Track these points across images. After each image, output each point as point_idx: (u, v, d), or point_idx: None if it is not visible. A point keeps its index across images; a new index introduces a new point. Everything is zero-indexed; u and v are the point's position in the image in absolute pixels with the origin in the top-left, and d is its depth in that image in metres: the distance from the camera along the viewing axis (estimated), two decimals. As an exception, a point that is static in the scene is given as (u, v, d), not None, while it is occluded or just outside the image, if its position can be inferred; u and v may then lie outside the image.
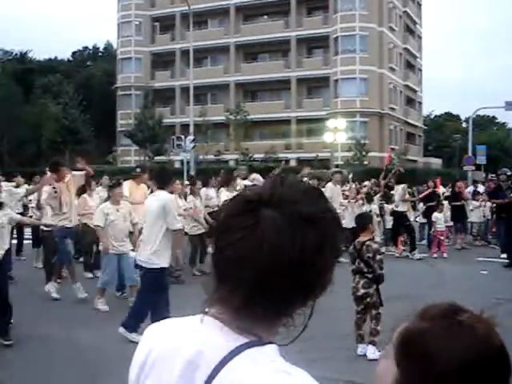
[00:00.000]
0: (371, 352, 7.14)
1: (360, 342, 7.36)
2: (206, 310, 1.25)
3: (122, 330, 7.93)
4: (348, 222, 13.53)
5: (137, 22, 66.21)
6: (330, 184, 15.54)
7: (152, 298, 7.82)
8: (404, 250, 16.90)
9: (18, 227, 14.77)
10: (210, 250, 14.50)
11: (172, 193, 8.59)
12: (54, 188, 10.53)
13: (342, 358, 7.21)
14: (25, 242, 15.68)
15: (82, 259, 13.92)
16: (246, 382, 1.13)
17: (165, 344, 1.28)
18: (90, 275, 12.78)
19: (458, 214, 18.33)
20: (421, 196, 19.53)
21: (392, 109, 59.21)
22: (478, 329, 1.17)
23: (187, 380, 1.20)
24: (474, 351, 1.14)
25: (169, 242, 7.94)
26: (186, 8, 40.10)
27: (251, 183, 10.66)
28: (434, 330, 1.17)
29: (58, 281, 10.70)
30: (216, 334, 1.20)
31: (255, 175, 13.43)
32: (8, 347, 7.59)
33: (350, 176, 18.89)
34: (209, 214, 13.63)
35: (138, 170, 12.11)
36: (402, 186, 17.00)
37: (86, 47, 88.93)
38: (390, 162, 25.55)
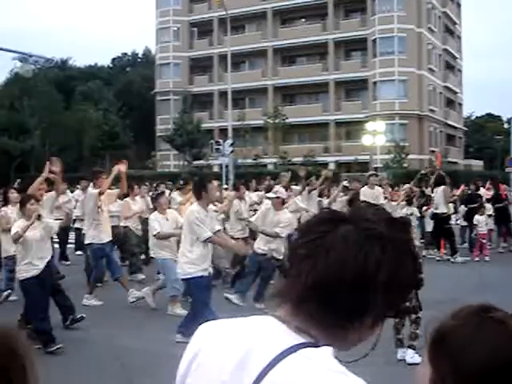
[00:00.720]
0: (410, 356, 7.06)
1: (399, 347, 7.28)
2: (267, 308, 1.28)
3: (178, 336, 7.93)
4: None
5: (175, 28, 66.71)
6: (364, 187, 15.44)
7: (202, 306, 7.91)
8: (445, 253, 16.67)
9: (63, 233, 14.99)
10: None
11: (210, 203, 8.51)
12: (98, 193, 10.63)
13: (380, 363, 7.11)
14: (68, 246, 15.94)
15: (126, 262, 14.08)
16: (301, 379, 1.14)
17: (216, 342, 1.31)
18: (140, 277, 12.96)
19: (501, 217, 18.02)
20: (458, 192, 19.06)
21: (432, 110, 58.56)
22: (510, 325, 1.17)
23: (240, 374, 1.22)
24: (505, 346, 1.14)
25: (206, 251, 7.97)
26: (224, 13, 40.32)
27: (274, 195, 10.66)
28: (464, 326, 1.19)
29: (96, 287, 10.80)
30: (274, 332, 1.23)
31: (278, 188, 13.38)
32: (50, 351, 7.66)
33: (380, 177, 18.65)
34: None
35: (181, 182, 12.27)
36: (442, 188, 16.76)
37: (126, 53, 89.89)
38: (441, 164, 25.17)
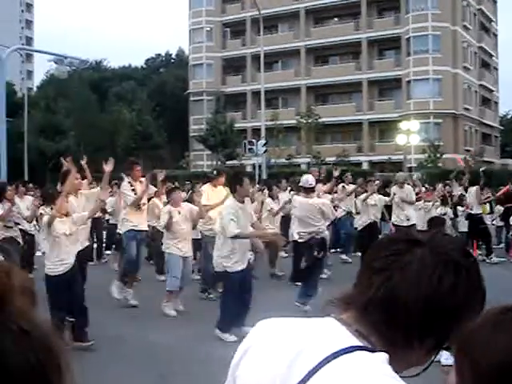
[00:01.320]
0: (445, 358, 6.96)
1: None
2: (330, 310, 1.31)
3: (216, 331, 8.10)
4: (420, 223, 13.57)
5: (208, 29, 66.96)
6: (394, 187, 15.33)
7: (228, 299, 8.02)
8: (480, 254, 16.46)
9: (97, 232, 15.18)
10: (282, 254, 14.59)
11: (245, 197, 8.50)
12: (131, 185, 10.72)
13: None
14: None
15: (152, 262, 14.20)
16: (350, 379, 1.14)
17: (270, 338, 1.32)
18: (163, 278, 13.03)
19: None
20: (498, 194, 18.86)
21: (467, 109, 57.87)
22: None
23: (291, 369, 1.22)
24: None
25: (238, 245, 8.01)
26: (257, 13, 40.36)
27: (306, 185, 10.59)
28: (482, 328, 1.18)
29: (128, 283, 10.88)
30: (333, 332, 1.25)
31: (307, 177, 13.36)
32: (83, 348, 7.76)
33: (415, 177, 18.42)
34: (283, 217, 13.92)
35: (215, 172, 12.29)
36: (475, 187, 16.58)
37: (159, 54, 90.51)
38: (466, 164, 24.83)
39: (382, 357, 1.20)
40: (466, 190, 17.60)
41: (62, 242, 7.86)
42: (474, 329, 1.19)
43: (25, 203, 12.96)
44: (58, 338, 0.79)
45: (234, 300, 8.01)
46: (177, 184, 17.25)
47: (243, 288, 8.11)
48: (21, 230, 11.92)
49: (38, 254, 12.44)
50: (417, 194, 15.37)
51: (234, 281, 8.03)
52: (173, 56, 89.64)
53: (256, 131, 48.37)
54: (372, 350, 1.21)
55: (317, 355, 1.20)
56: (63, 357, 0.80)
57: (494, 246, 16.71)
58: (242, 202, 8.19)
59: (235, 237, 7.93)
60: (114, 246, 14.75)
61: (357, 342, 1.22)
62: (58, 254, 7.84)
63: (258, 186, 16.61)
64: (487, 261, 15.78)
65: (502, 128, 72.77)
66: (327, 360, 1.18)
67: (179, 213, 9.92)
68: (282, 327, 1.34)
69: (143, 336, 8.43)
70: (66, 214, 8.05)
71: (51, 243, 7.90)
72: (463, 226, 16.99)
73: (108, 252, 16.22)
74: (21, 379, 0.70)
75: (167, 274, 10.30)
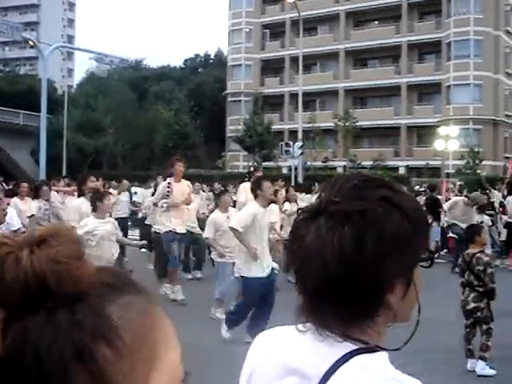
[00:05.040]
0: (481, 368, 6.88)
1: (470, 357, 7.10)
2: (303, 319, 1.23)
3: (223, 324, 8.18)
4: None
5: (247, 30, 67.13)
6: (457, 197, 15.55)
7: (243, 304, 8.12)
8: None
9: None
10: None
11: (268, 202, 8.37)
12: (168, 183, 10.78)
13: (450, 373, 6.97)
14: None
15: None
16: None
17: (269, 355, 1.29)
18: (190, 276, 13.14)
19: None
20: None
21: (508, 116, 57.00)
22: None
23: None
24: None
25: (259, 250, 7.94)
26: (296, 15, 40.29)
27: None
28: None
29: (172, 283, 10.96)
30: (320, 342, 1.19)
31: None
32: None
33: (455, 185, 18.25)
34: None
35: (252, 169, 12.31)
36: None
37: (198, 55, 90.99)
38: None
39: (381, 357, 1.17)
40: (504, 198, 17.37)
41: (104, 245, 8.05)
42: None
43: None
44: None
45: (248, 307, 8.02)
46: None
47: (262, 298, 7.98)
48: None
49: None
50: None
51: (251, 287, 7.93)
52: (211, 57, 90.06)
53: (293, 133, 48.26)
54: (368, 350, 1.16)
55: (314, 376, 1.15)
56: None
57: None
58: (265, 206, 8.10)
59: (235, 234, 8.00)
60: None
61: (349, 346, 1.16)
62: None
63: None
64: (525, 270, 15.54)
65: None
66: (325, 379, 1.13)
67: (228, 218, 9.63)
68: (278, 343, 1.29)
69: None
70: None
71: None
72: (504, 234, 16.78)
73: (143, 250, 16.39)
74: None
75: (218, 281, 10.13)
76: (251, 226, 7.89)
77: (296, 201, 14.01)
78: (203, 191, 18.20)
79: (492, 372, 6.77)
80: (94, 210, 8.21)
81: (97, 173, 14.68)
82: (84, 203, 8.78)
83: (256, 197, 8.12)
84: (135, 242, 11.19)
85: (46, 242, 0.67)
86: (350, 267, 1.13)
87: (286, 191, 14.52)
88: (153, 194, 16.43)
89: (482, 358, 6.94)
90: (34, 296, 0.64)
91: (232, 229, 7.98)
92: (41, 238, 0.67)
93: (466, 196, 17.33)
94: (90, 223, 8.01)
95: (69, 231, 0.70)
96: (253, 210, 8.02)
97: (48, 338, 0.62)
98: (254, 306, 7.97)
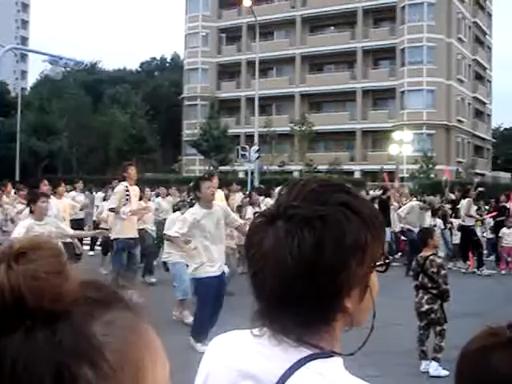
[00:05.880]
0: (434, 368, 6.99)
1: (423, 359, 7.20)
2: (260, 323, 1.22)
3: (190, 339, 7.97)
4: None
5: (204, 34, 67.06)
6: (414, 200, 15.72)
7: (199, 307, 8.01)
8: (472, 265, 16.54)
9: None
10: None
11: (209, 202, 8.36)
12: (126, 187, 10.69)
13: (403, 374, 7.05)
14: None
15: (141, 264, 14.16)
16: None
17: (224, 360, 1.27)
18: (153, 280, 13.04)
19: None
20: (488, 216, 19.01)
21: (460, 121, 58.10)
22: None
23: None
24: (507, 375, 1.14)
25: (209, 250, 7.89)
26: (253, 19, 40.38)
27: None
28: (480, 348, 1.17)
29: None
30: (275, 347, 1.18)
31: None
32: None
33: (398, 186, 18.48)
34: None
35: (206, 175, 12.27)
36: (467, 200, 16.66)
37: (154, 58, 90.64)
38: (450, 177, 24.98)
39: (335, 362, 1.16)
40: (454, 202, 17.71)
41: None
42: (462, 355, 1.20)
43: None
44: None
45: (205, 308, 7.92)
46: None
47: (214, 297, 7.95)
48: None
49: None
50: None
51: (205, 287, 7.86)
52: (168, 60, 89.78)
53: (249, 137, 48.37)
54: (323, 356, 1.16)
55: (268, 382, 1.14)
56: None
57: (484, 258, 16.76)
58: (209, 207, 7.99)
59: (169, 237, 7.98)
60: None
61: (304, 352, 1.15)
62: None
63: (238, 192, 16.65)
64: (478, 273, 15.83)
65: (494, 141, 73.09)
66: (280, 383, 1.13)
67: None
68: (233, 347, 1.28)
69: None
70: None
71: None
72: (457, 237, 17.08)
73: (91, 253, 16.36)
74: None
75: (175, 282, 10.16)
76: (195, 229, 7.86)
77: (259, 205, 14.03)
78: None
79: (445, 373, 6.86)
80: (31, 212, 8.08)
81: (53, 177, 14.53)
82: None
83: (198, 199, 8.11)
84: (90, 232, 10.91)
85: (25, 255, 0.63)
86: (308, 272, 1.12)
87: (249, 196, 14.53)
88: (104, 198, 16.35)
89: (436, 359, 7.03)
90: (11, 314, 0.60)
91: (168, 236, 7.97)
92: (19, 252, 0.64)
93: (422, 200, 17.61)
94: (27, 226, 7.82)
95: (50, 244, 0.66)
96: (190, 214, 7.99)
97: (25, 359, 0.58)
98: (209, 306, 7.92)
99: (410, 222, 15.67)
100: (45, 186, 9.03)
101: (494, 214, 18.64)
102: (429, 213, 16.43)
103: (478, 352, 1.18)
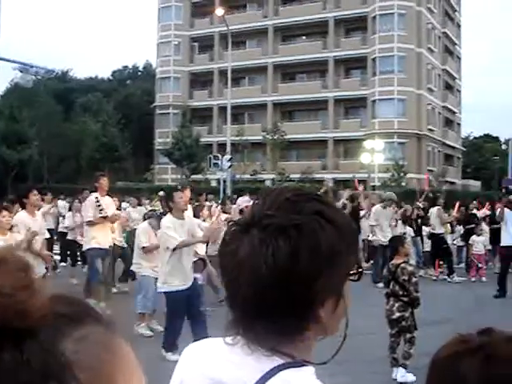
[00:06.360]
0: (401, 375, 7.02)
1: (395, 366, 7.23)
2: (234, 332, 1.22)
3: (162, 351, 7.95)
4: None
5: (176, 42, 66.98)
6: (378, 206, 15.77)
7: (170, 319, 8.00)
8: (441, 272, 16.69)
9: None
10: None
11: (182, 212, 8.23)
12: (96, 197, 10.64)
13: (376, 382, 7.08)
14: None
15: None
16: None
17: (197, 368, 1.27)
18: (115, 290, 12.97)
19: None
20: (454, 213, 19.07)
21: (430, 130, 58.71)
22: (490, 350, 1.17)
23: None
24: (478, 374, 1.14)
25: (181, 263, 7.88)
26: (225, 28, 40.49)
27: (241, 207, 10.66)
28: (449, 355, 1.19)
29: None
30: (248, 356, 1.18)
31: (244, 198, 13.29)
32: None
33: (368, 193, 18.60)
34: None
35: (179, 187, 12.27)
36: (437, 208, 16.82)
37: (126, 66, 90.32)
38: (428, 185, 25.26)
39: (307, 372, 1.16)
40: (423, 210, 17.84)
41: None
42: (439, 358, 1.22)
43: None
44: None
45: (176, 321, 7.93)
46: None
47: (187, 309, 7.95)
48: None
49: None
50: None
51: (178, 300, 7.85)
52: (140, 69, 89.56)
53: (222, 146, 48.38)
54: (294, 365, 1.15)
55: None
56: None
57: (455, 266, 16.93)
58: (181, 218, 7.99)
59: (176, 247, 7.78)
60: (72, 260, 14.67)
61: (276, 361, 1.15)
62: None
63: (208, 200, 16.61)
64: (449, 280, 16.01)
65: (463, 149, 73.97)
66: None
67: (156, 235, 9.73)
68: (206, 356, 1.28)
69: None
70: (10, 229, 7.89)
71: None
72: (428, 245, 17.24)
73: (63, 264, 16.21)
74: None
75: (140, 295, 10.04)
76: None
77: (232, 213, 14.01)
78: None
79: (412, 378, 6.92)
80: None
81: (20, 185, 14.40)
82: (27, 217, 8.58)
83: (170, 210, 8.09)
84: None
85: None
86: (283, 281, 1.12)
87: (223, 203, 14.52)
88: (70, 208, 16.24)
89: (403, 366, 7.07)
90: None
91: (175, 249, 7.85)
92: None
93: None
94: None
95: (16, 257, 0.62)
96: (167, 225, 7.95)
97: None
98: (180, 318, 7.90)
99: (381, 225, 15.50)
100: (34, 196, 8.94)
101: (458, 207, 18.79)
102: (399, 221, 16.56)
103: (447, 359, 1.20)
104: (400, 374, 7.04)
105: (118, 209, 13.64)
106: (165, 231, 7.93)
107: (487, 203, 20.57)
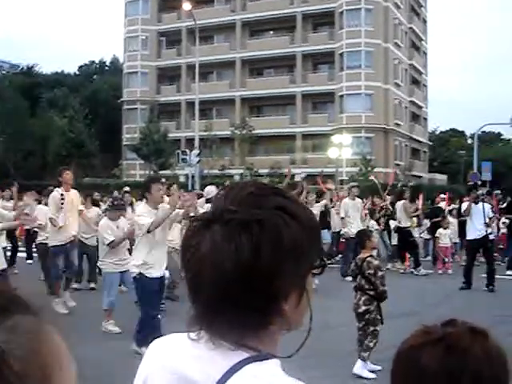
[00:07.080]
0: (358, 366, 7.07)
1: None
2: (198, 327, 1.22)
3: (133, 344, 7.88)
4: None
5: (143, 37, 66.52)
6: (346, 199, 15.72)
7: (143, 309, 7.95)
8: (408, 265, 16.89)
9: (11, 239, 14.90)
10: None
11: (157, 204, 8.18)
12: (61, 194, 10.56)
13: (345, 376, 7.12)
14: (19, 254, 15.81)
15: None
16: None
17: (162, 363, 1.27)
18: (76, 286, 12.91)
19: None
20: (419, 205, 19.27)
21: (397, 124, 59.21)
22: (453, 341, 1.21)
23: None
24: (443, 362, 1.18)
25: (156, 253, 7.91)
26: (193, 23, 40.33)
27: (208, 196, 10.69)
28: (412, 346, 1.22)
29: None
30: (213, 351, 1.18)
31: (210, 188, 13.20)
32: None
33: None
34: None
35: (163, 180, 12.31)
36: (403, 201, 16.96)
37: (93, 61, 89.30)
38: (394, 179, 25.48)
39: (272, 365, 1.17)
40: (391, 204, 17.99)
41: None
42: (403, 349, 1.25)
43: None
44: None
45: (150, 311, 7.88)
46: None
47: (158, 297, 7.99)
48: None
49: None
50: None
51: (151, 289, 7.86)
52: (107, 63, 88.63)
53: (190, 141, 48.24)
54: (259, 358, 1.16)
55: (206, 382, 1.14)
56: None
57: (421, 259, 17.13)
58: (155, 208, 8.01)
59: (151, 228, 7.78)
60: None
61: (241, 355, 1.15)
62: None
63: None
64: (415, 273, 16.19)
65: (430, 144, 74.73)
66: None
67: (117, 227, 9.69)
68: (171, 351, 1.27)
69: (70, 349, 8.20)
70: None
71: None
72: (395, 239, 17.39)
73: (29, 261, 16.06)
74: None
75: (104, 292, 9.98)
76: (140, 230, 7.89)
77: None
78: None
79: (367, 374, 6.99)
80: None
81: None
82: None
83: (146, 199, 8.11)
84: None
85: None
86: (246, 276, 1.12)
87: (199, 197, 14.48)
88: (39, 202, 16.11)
89: (361, 358, 7.11)
90: None
91: (150, 230, 7.83)
92: None
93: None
94: None
95: None
96: (140, 212, 8.02)
97: None
98: (153, 306, 7.87)
99: (351, 216, 15.48)
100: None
101: (421, 199, 19.03)
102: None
103: (410, 350, 1.23)
104: (356, 365, 7.09)
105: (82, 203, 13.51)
106: (136, 219, 8.01)
107: (458, 200, 20.79)
